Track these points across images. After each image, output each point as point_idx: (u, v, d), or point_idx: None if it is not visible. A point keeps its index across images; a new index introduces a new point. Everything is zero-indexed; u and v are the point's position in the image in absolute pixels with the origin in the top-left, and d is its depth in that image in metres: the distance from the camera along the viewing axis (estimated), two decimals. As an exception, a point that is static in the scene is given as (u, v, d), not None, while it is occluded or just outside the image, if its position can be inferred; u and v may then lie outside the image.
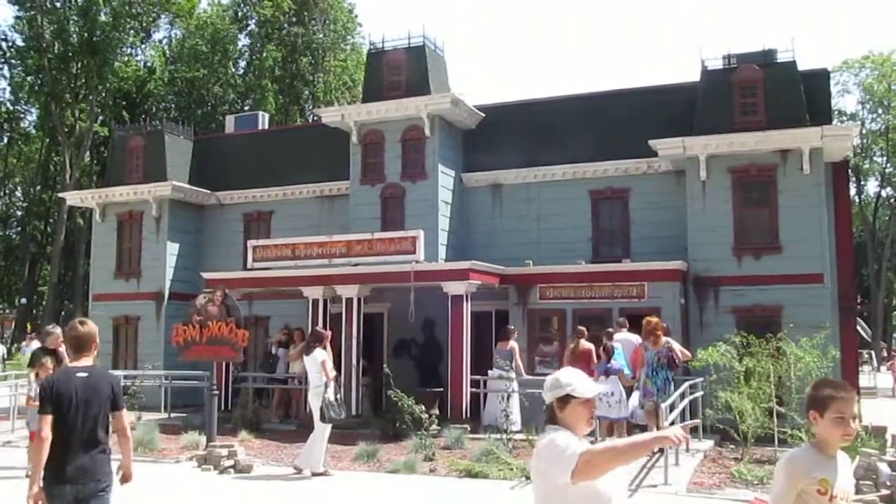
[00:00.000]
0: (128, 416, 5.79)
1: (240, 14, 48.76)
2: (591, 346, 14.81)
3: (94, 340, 5.78)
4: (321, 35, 46.90)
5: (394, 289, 17.75)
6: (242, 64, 49.46)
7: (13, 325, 54.71)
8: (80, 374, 5.56)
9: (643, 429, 14.26)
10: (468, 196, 21.55)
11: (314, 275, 17.87)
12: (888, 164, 51.17)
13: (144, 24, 45.01)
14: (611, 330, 14.94)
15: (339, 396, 12.44)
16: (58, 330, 12.38)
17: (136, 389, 17.81)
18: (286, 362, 18.41)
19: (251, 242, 19.08)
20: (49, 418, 5.39)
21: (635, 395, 13.75)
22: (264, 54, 45.98)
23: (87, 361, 5.69)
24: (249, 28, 48.62)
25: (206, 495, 10.82)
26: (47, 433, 5.37)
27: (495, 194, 21.34)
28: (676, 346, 13.81)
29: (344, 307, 17.58)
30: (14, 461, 12.49)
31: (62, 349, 12.18)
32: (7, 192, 57.14)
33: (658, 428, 13.41)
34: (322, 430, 11.94)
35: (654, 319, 13.86)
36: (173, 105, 47.21)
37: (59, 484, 5.35)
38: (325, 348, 12.64)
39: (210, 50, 46.20)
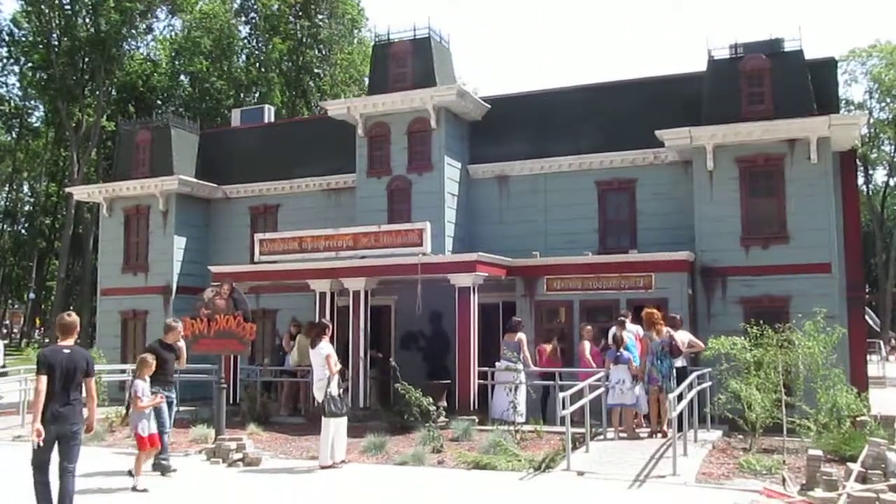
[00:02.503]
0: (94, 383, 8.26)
1: (244, 5, 48.70)
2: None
3: (76, 327, 8.31)
4: (328, 28, 46.81)
5: (401, 281, 17.75)
6: (245, 56, 49.40)
7: (22, 319, 54.93)
8: (65, 351, 8.04)
9: (646, 418, 14.42)
10: (475, 188, 21.51)
11: (321, 268, 17.88)
12: (896, 153, 50.92)
13: (149, 17, 45.02)
14: (622, 318, 15.11)
15: (341, 390, 12.43)
16: (179, 325, 12.33)
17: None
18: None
19: (258, 236, 19.08)
20: (44, 378, 7.82)
21: (638, 386, 14.11)
22: (270, 47, 45.94)
23: (70, 342, 8.17)
24: (253, 20, 48.54)
25: (215, 488, 10.85)
26: (42, 388, 7.82)
27: (502, 186, 21.30)
28: (684, 337, 14.63)
29: (351, 300, 17.58)
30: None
31: (181, 344, 12.14)
32: (15, 187, 57.30)
33: (661, 413, 13.79)
34: (326, 424, 11.95)
35: (655, 311, 14.45)
36: (180, 101, 47.23)
37: (46, 424, 7.79)
38: (330, 341, 12.63)
39: (213, 44, 46.17)
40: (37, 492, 8.01)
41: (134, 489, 10.39)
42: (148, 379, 11.08)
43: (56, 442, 7.90)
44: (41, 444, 7.79)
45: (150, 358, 11.25)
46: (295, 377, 18.30)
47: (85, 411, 8.19)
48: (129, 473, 10.84)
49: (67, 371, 7.88)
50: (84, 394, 8.15)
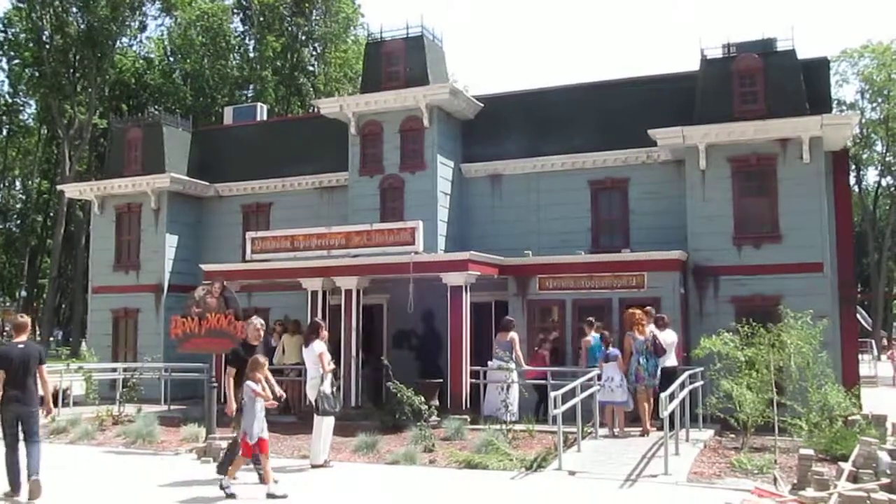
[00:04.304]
0: (47, 371, 10.00)
1: (240, 2, 48.54)
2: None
3: (28, 327, 10.07)
4: (323, 26, 46.68)
5: (393, 280, 17.71)
6: (240, 53, 49.25)
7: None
8: (19, 346, 9.71)
9: (635, 416, 14.50)
10: (467, 186, 21.49)
11: (313, 266, 17.83)
12: (888, 153, 51.09)
13: (140, 13, 44.88)
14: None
15: (334, 389, 12.38)
16: (258, 321, 11.67)
17: (136, 382, 17.78)
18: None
19: (250, 234, 19.01)
20: (2, 372, 9.48)
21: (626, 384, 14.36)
22: (264, 45, 45.79)
23: (23, 338, 9.84)
24: (248, 13, 48.38)
25: (206, 487, 10.79)
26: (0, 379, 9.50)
27: (494, 185, 21.28)
28: (671, 337, 14.88)
29: (343, 299, 17.53)
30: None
31: (257, 345, 11.41)
32: (6, 184, 57.06)
33: (650, 411, 13.90)
34: (318, 423, 11.91)
35: (637, 311, 14.65)
36: (174, 99, 47.07)
37: (6, 407, 9.51)
38: (323, 340, 12.57)
39: (208, 41, 46.02)
40: (7, 464, 9.51)
41: (270, 496, 9.86)
42: (262, 383, 10.27)
43: (18, 421, 9.50)
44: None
45: (263, 358, 10.54)
46: (282, 375, 18.16)
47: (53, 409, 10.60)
48: (222, 486, 10.10)
49: (22, 362, 9.54)
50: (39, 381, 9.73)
